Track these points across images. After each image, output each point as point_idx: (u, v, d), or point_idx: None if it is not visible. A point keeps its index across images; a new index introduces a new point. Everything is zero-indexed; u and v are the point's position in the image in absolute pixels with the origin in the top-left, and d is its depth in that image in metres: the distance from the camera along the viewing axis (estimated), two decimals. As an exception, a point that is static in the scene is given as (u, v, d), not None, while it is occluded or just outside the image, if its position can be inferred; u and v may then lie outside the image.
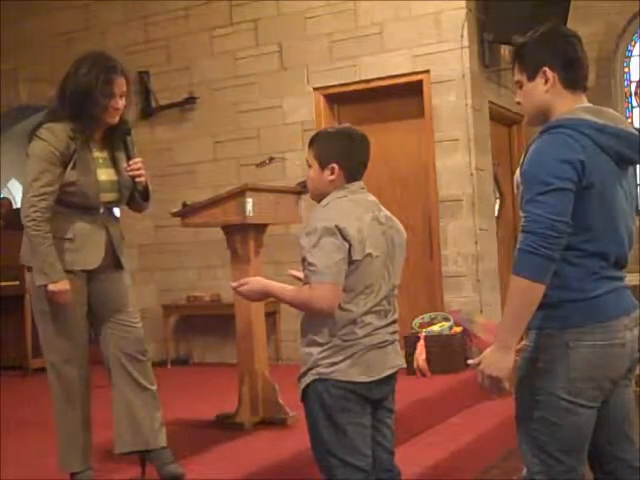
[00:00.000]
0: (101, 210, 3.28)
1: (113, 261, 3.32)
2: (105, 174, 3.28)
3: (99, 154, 3.29)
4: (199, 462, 3.61)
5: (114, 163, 3.32)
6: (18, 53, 8.12)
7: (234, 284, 2.76)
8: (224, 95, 7.13)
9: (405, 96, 6.50)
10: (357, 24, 6.58)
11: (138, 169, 3.30)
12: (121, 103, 3.24)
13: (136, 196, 3.38)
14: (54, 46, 7.90)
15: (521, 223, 2.21)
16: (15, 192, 12.12)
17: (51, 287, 3.09)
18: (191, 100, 7.24)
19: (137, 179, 3.31)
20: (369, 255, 2.59)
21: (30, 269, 3.21)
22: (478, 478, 4.43)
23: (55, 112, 3.22)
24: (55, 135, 3.14)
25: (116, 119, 3.26)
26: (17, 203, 11.07)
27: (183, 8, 7.31)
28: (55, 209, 3.18)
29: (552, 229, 2.14)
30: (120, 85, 3.22)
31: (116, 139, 3.33)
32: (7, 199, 8.31)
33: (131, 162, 3.30)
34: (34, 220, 3.11)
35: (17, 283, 6.39)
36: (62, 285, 3.11)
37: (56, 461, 3.31)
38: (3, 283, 6.53)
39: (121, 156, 3.33)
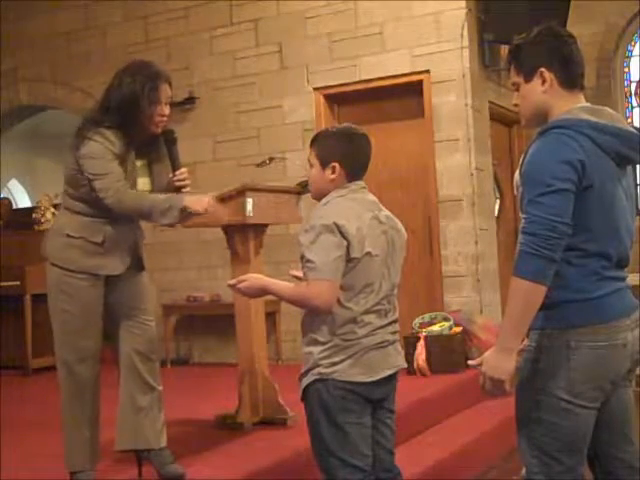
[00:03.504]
0: (132, 217, 3.28)
1: (135, 263, 3.34)
2: (141, 184, 3.29)
3: (137, 162, 3.29)
4: (199, 462, 3.60)
5: (150, 172, 3.33)
6: (18, 53, 8.12)
7: (231, 282, 2.76)
8: (224, 95, 7.13)
9: (405, 96, 6.50)
10: (357, 24, 6.58)
11: (184, 179, 3.29)
12: (167, 110, 3.23)
13: None
14: (54, 46, 7.91)
15: (521, 224, 2.21)
16: (15, 192, 12.12)
17: (191, 208, 3.03)
18: (191, 100, 7.23)
19: (183, 190, 3.28)
20: (368, 254, 2.60)
21: (54, 265, 3.21)
22: (478, 478, 4.43)
23: (98, 122, 3.18)
24: (108, 139, 3.13)
25: (161, 127, 3.25)
26: (17, 203, 11.09)
27: (183, 8, 7.31)
28: (88, 212, 3.20)
29: (553, 230, 2.14)
30: (165, 91, 3.23)
31: (155, 147, 3.32)
32: (7, 199, 8.30)
33: (177, 172, 3.28)
34: (120, 196, 3.07)
35: (17, 283, 6.40)
36: (196, 201, 3.05)
37: (56, 461, 3.31)
38: (3, 283, 6.52)
39: (158, 165, 3.33)
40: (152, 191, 3.31)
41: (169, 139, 3.31)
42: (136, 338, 3.30)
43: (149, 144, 3.31)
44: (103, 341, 3.32)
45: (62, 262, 3.20)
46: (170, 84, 3.27)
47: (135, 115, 3.16)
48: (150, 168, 3.34)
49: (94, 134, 3.14)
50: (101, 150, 3.11)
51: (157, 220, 3.11)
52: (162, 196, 3.13)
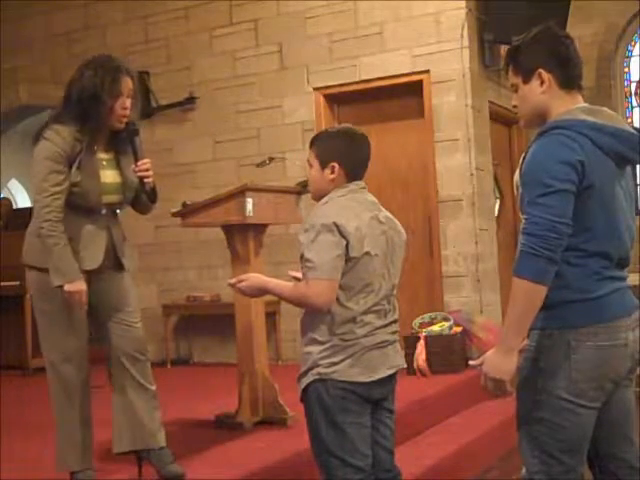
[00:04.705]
0: (103, 211, 3.27)
1: (114, 262, 3.32)
2: (109, 176, 3.27)
3: (104, 155, 3.28)
4: (199, 462, 3.60)
5: (119, 165, 3.32)
6: (18, 53, 8.12)
7: (231, 281, 2.78)
8: (224, 95, 7.13)
9: (405, 96, 6.51)
10: (357, 24, 6.58)
11: (146, 170, 3.28)
12: (128, 102, 3.23)
13: (142, 197, 3.37)
14: (54, 46, 7.92)
15: (522, 225, 2.22)
16: (15, 192, 12.11)
17: (67, 287, 3.07)
18: (191, 100, 7.24)
19: (145, 180, 3.29)
20: (367, 253, 2.60)
21: (32, 268, 3.21)
22: (478, 478, 4.43)
23: (61, 115, 3.20)
24: (61, 136, 3.13)
25: (123, 122, 3.24)
26: (17, 203, 11.09)
27: (183, 8, 7.32)
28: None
29: (553, 231, 2.14)
30: (127, 85, 3.22)
31: (123, 140, 3.32)
32: (7, 199, 8.30)
33: (139, 163, 3.28)
34: (49, 221, 3.09)
35: (17, 283, 6.39)
36: (79, 285, 3.09)
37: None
38: (3, 283, 6.52)
39: (127, 157, 3.32)
40: (123, 183, 3.31)
41: (131, 130, 3.30)
42: (122, 340, 3.28)
43: (116, 137, 3.30)
44: (92, 343, 3.31)
45: (37, 263, 3.19)
46: (132, 78, 3.26)
47: (96, 108, 3.15)
48: (118, 161, 3.32)
49: (47, 131, 3.16)
50: (47, 151, 3.11)
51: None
52: (67, 257, 3.10)
